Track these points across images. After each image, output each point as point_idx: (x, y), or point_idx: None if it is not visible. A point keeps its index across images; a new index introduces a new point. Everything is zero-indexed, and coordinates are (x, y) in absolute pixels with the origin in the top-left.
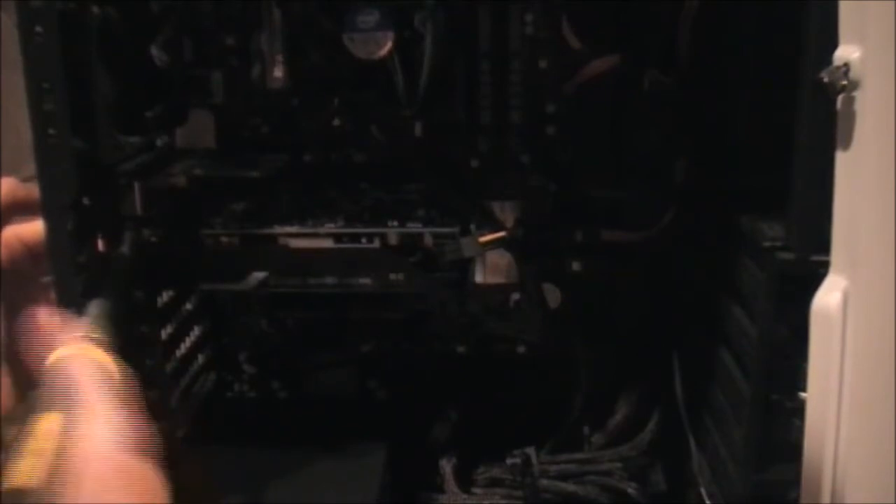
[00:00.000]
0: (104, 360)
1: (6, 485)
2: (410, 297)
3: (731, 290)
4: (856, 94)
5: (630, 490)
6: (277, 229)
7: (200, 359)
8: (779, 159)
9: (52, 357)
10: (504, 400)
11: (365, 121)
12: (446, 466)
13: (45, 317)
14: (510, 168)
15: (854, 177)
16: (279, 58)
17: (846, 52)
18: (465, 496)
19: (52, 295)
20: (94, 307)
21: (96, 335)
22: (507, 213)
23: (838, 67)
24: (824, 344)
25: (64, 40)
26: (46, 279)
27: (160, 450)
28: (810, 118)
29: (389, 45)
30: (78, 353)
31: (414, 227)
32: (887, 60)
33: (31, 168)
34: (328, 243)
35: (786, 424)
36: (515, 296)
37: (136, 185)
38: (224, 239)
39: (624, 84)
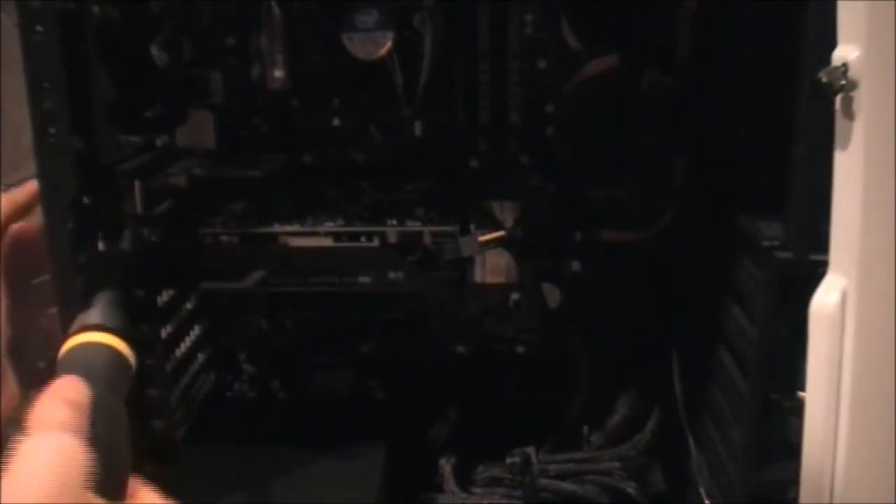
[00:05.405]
0: (119, 346)
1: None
2: (410, 297)
3: (730, 289)
4: (854, 93)
5: (629, 490)
6: (277, 228)
7: (200, 358)
8: (777, 159)
9: (67, 344)
10: (503, 400)
11: (364, 121)
12: (445, 466)
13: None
14: (509, 168)
15: (853, 176)
16: (279, 58)
17: (845, 51)
18: (464, 495)
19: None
20: (104, 297)
21: (109, 322)
22: (506, 212)
23: (837, 67)
24: (823, 343)
25: (63, 40)
26: (45, 278)
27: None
28: (809, 118)
29: (388, 44)
30: (94, 340)
31: (413, 227)
32: (886, 60)
33: (31, 168)
34: (327, 242)
35: (785, 424)
36: (515, 295)
37: (137, 185)
38: (224, 238)
39: (623, 84)
